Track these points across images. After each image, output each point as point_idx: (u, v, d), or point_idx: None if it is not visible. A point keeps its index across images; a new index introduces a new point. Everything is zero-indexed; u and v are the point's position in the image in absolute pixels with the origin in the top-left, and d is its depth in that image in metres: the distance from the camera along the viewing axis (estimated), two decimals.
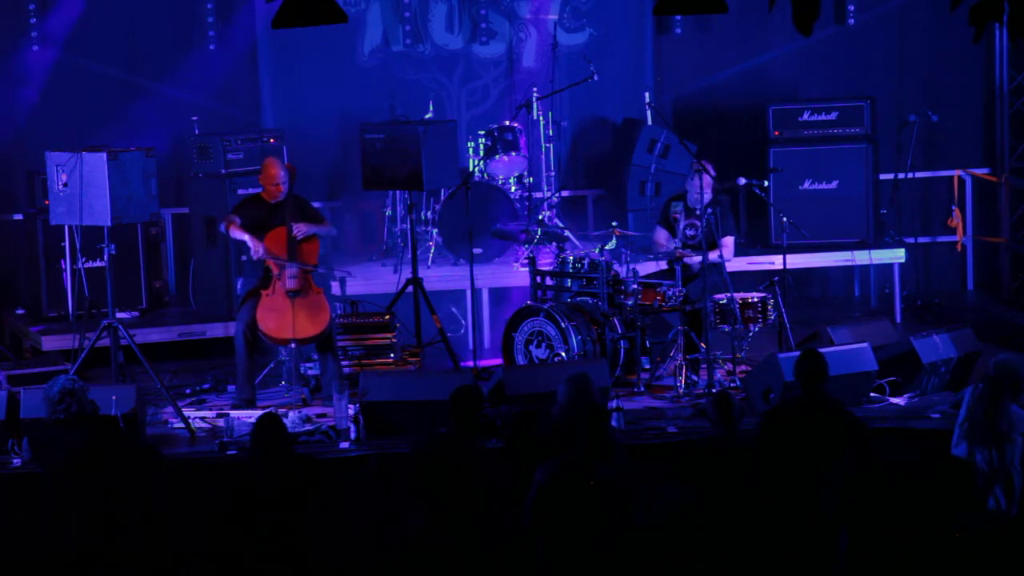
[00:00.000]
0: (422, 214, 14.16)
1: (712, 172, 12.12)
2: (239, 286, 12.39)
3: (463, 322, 13.46)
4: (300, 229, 11.63)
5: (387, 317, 12.35)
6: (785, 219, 12.31)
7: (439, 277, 13.63)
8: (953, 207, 15.12)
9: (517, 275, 13.51)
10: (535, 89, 14.44)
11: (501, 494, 8.52)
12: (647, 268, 12.63)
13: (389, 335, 12.25)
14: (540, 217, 14.09)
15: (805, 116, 14.54)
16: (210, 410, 11.54)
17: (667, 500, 8.59)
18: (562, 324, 11.67)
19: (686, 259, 11.97)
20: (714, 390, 11.12)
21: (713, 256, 11.91)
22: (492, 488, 8.52)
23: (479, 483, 8.55)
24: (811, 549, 8.74)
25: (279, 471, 8.43)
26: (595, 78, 14.27)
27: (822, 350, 10.67)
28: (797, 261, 13.78)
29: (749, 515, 8.50)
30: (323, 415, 11.16)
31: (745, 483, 8.58)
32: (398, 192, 14.05)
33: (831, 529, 8.73)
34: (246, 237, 11.58)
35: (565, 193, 15.00)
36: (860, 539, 8.98)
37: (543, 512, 8.05)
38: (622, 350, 11.83)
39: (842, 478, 8.98)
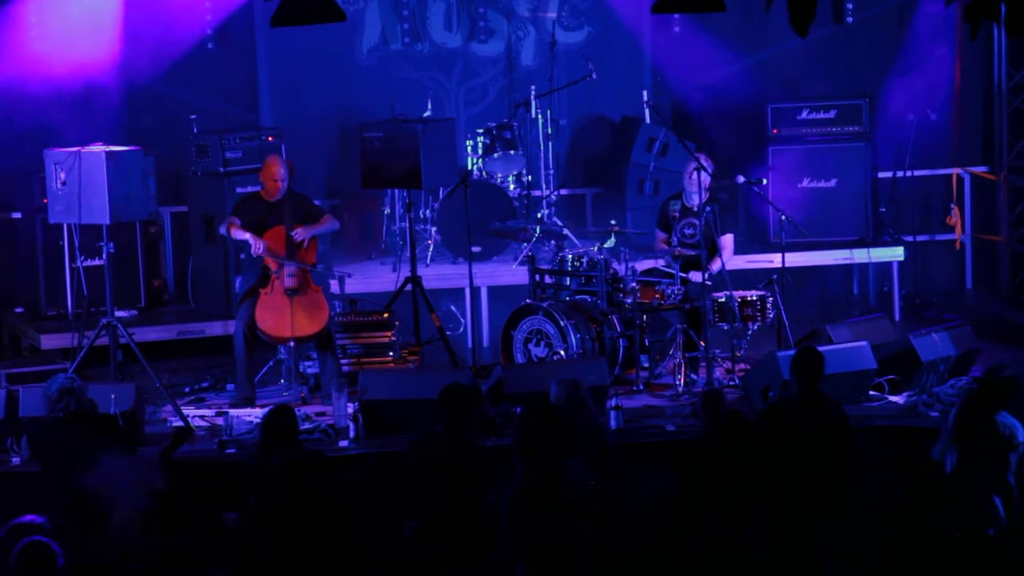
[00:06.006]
0: (421, 212, 14.16)
1: (711, 167, 12.10)
2: (238, 285, 12.39)
3: (462, 320, 13.46)
4: (299, 233, 11.62)
5: (386, 315, 12.35)
6: (784, 217, 12.30)
7: (438, 275, 13.64)
8: (952, 205, 15.12)
9: (516, 273, 13.51)
10: (533, 87, 14.45)
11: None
12: (646, 266, 12.62)
13: (388, 333, 12.24)
14: (539, 215, 14.09)
15: (803, 114, 14.53)
16: (209, 409, 11.54)
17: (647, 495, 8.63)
18: (561, 322, 11.66)
19: (691, 279, 11.92)
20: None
21: (715, 268, 11.89)
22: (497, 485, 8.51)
23: (478, 481, 8.55)
24: (803, 546, 8.75)
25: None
26: (593, 76, 14.28)
27: (821, 348, 10.69)
28: (796, 259, 13.77)
29: (730, 511, 8.53)
30: (322, 413, 11.16)
31: (724, 480, 8.60)
32: (397, 190, 14.05)
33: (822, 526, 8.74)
34: (247, 236, 11.57)
35: (564, 191, 15.00)
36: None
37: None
38: (621, 348, 11.82)
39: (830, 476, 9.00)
